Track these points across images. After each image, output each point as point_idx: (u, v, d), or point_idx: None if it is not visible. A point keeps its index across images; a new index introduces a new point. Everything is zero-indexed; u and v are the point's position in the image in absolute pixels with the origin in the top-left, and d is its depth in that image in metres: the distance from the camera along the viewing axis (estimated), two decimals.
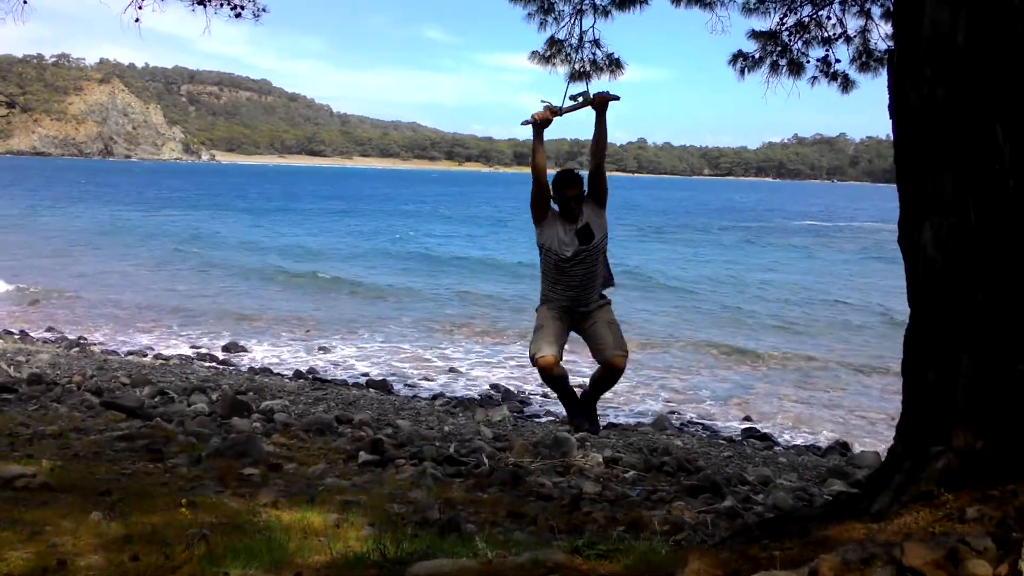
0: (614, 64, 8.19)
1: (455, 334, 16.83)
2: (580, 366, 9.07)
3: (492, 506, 5.02)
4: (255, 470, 5.57)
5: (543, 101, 4.82)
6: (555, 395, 5.45)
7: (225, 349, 14.58)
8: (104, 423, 7.28)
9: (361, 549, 3.67)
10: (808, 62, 8.33)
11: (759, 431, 10.40)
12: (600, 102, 4.81)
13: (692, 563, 2.94)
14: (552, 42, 8.20)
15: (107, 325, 16.60)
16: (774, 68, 8.36)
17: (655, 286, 23.74)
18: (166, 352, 14.22)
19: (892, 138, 3.59)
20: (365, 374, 13.13)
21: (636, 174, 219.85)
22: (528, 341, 5.00)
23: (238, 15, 7.44)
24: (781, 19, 8.19)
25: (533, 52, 8.33)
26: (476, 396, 11.79)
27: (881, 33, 7.99)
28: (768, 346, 15.96)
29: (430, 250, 34.90)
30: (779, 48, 8.31)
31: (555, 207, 4.89)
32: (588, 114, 4.70)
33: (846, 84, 8.39)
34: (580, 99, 4.82)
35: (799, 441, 10.22)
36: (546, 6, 8.00)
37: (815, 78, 8.39)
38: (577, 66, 8.29)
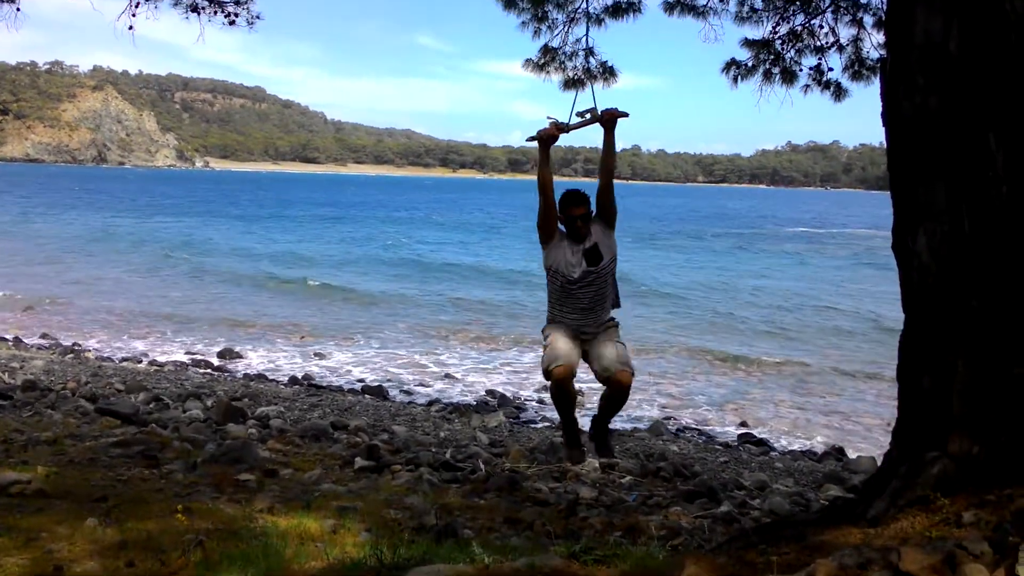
0: (608, 72, 8.22)
1: (450, 340, 16.83)
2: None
3: (489, 512, 5.02)
4: (251, 476, 5.56)
5: (549, 118, 4.74)
6: (559, 418, 5.26)
7: (220, 355, 14.55)
8: (99, 429, 7.26)
9: (358, 555, 3.67)
10: (801, 70, 8.38)
11: (755, 436, 10.42)
12: (608, 119, 4.71)
13: (689, 568, 2.95)
14: (546, 50, 8.24)
15: (101, 331, 16.57)
16: (767, 76, 8.40)
17: (648, 292, 23.78)
18: (161, 358, 14.19)
19: (885, 146, 3.61)
20: (361, 380, 13.12)
21: (630, 181, 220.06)
22: (538, 356, 5.00)
23: (232, 22, 7.44)
24: (774, 28, 8.24)
25: (527, 60, 8.37)
26: (472, 402, 11.79)
27: (873, 42, 8.06)
28: (762, 352, 16.00)
29: (422, 256, 34.91)
30: (772, 56, 8.35)
31: (562, 228, 4.77)
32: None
33: (839, 92, 8.44)
34: (587, 116, 4.73)
35: (795, 446, 10.23)
36: (540, 14, 8.03)
37: (808, 86, 8.44)
38: (571, 74, 8.33)
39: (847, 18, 8.12)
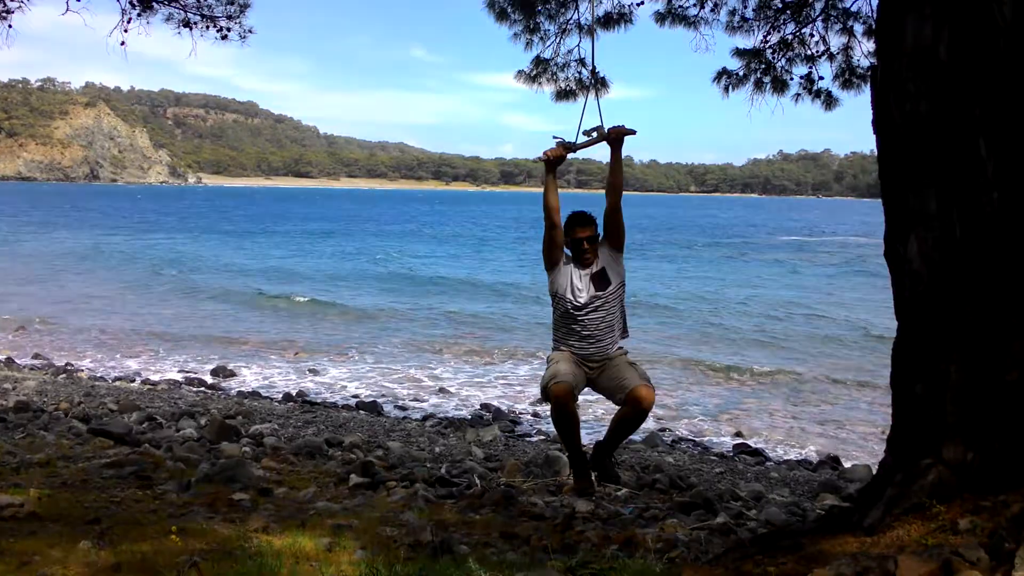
0: (600, 83, 8.24)
1: (444, 354, 16.80)
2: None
3: (484, 527, 4.99)
4: (245, 495, 5.53)
5: (555, 138, 4.62)
6: (562, 445, 5.02)
7: (213, 373, 14.50)
8: (92, 450, 7.22)
9: (354, 573, 3.65)
10: (792, 79, 8.42)
11: (750, 447, 10.40)
12: (615, 137, 4.62)
13: None
14: (538, 61, 8.27)
15: (94, 351, 16.50)
16: (758, 85, 8.44)
17: (639, 303, 23.77)
18: (154, 377, 14.14)
19: (876, 153, 3.63)
20: (355, 396, 13.08)
21: (625, 192, 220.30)
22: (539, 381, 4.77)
23: (224, 37, 7.45)
24: (764, 37, 8.28)
25: (519, 71, 8.40)
26: (467, 416, 11.76)
27: (863, 50, 8.10)
28: (755, 362, 16.00)
29: (414, 270, 34.88)
30: (763, 66, 8.39)
31: (568, 252, 4.62)
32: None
33: (829, 101, 8.48)
34: (594, 134, 4.64)
35: (790, 456, 10.22)
36: (532, 26, 8.06)
37: (799, 95, 8.48)
38: (563, 85, 8.36)
39: (837, 27, 8.17)
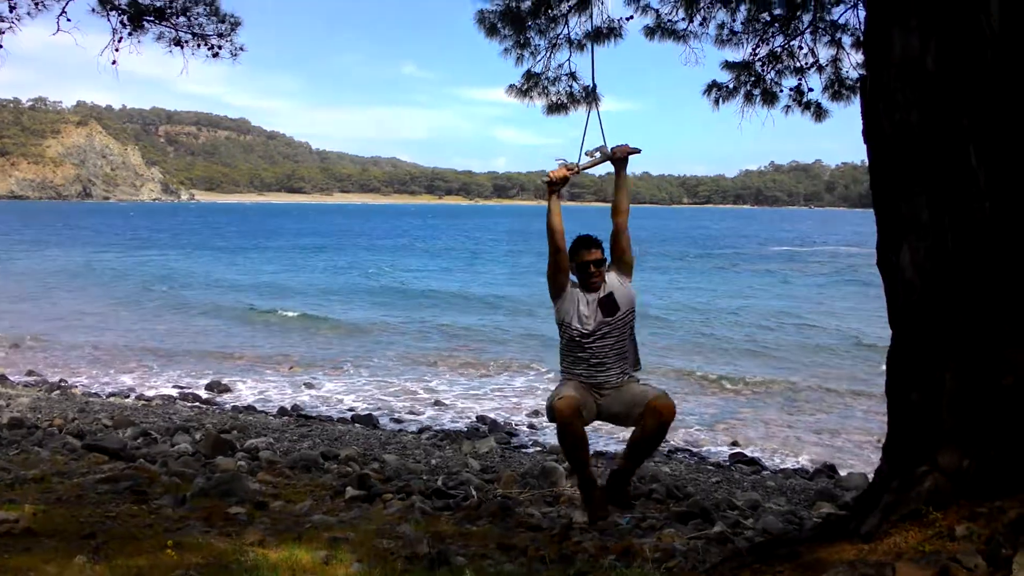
0: (591, 96, 8.29)
1: (438, 366, 16.78)
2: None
3: (482, 538, 4.99)
4: (241, 509, 5.51)
5: (558, 160, 4.51)
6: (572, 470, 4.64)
7: (208, 388, 14.45)
8: (87, 466, 7.19)
9: None
10: (781, 91, 8.49)
11: (746, 456, 10.41)
12: (619, 156, 4.52)
13: None
14: (529, 75, 8.31)
15: (87, 367, 16.44)
16: (748, 98, 8.51)
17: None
18: (148, 393, 14.08)
19: (867, 163, 3.66)
20: (351, 409, 13.05)
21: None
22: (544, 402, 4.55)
23: (215, 55, 7.47)
24: (754, 50, 8.35)
25: (510, 86, 8.44)
26: (463, 428, 11.74)
27: (852, 62, 8.17)
28: (749, 372, 16.02)
29: (406, 284, 34.85)
30: (752, 78, 8.46)
31: (574, 278, 4.45)
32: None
33: (819, 113, 8.54)
34: (597, 154, 4.55)
35: (787, 465, 10.22)
36: (522, 41, 8.11)
37: (789, 107, 8.54)
38: (554, 98, 8.41)
39: (826, 39, 8.24)
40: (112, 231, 78.46)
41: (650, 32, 8.28)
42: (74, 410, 11.31)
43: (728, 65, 8.47)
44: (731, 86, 8.51)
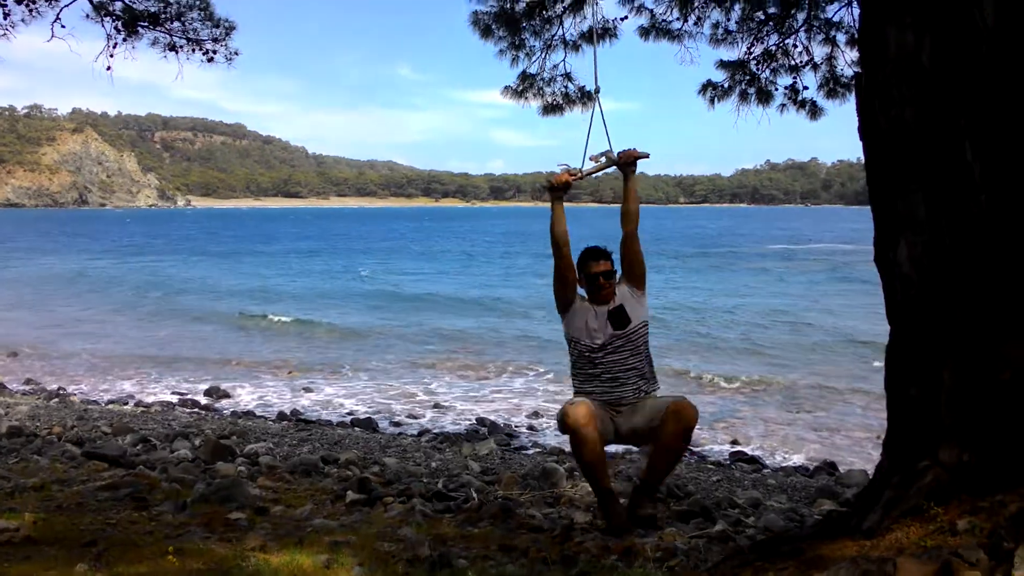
0: (586, 97, 8.31)
1: (437, 369, 16.79)
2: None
3: (483, 540, 4.98)
4: (241, 514, 5.50)
5: (560, 164, 4.38)
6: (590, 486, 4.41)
7: (207, 393, 14.44)
8: (86, 473, 7.17)
9: None
10: (776, 90, 8.51)
11: (747, 454, 10.42)
12: (626, 160, 4.35)
13: None
14: (524, 76, 8.33)
15: (85, 374, 16.43)
16: (743, 97, 8.52)
17: None
18: (147, 399, 14.07)
19: (863, 161, 3.66)
20: (351, 413, 13.05)
21: (613, 204, 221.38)
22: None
23: (210, 60, 7.47)
24: (748, 49, 8.37)
25: (506, 87, 8.46)
26: (462, 430, 11.74)
27: (847, 59, 8.20)
28: (747, 370, 16.04)
29: (402, 288, 34.81)
30: (747, 77, 8.48)
31: (582, 292, 4.31)
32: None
33: (814, 111, 8.56)
34: (602, 159, 4.39)
35: (787, 463, 10.23)
36: (517, 42, 8.12)
37: (784, 105, 8.56)
38: (550, 99, 8.42)
39: (820, 37, 8.26)
40: (108, 238, 78.42)
41: (645, 32, 8.30)
42: (73, 418, 11.29)
43: (723, 64, 8.49)
44: (726, 85, 8.52)
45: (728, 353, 18.44)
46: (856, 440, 11.27)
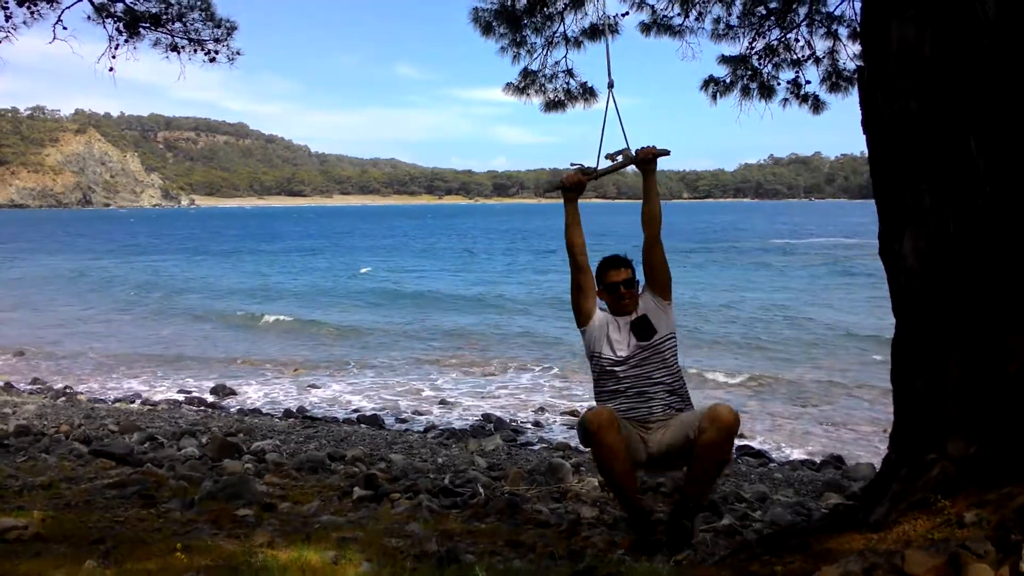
0: (588, 93, 8.30)
1: (441, 365, 16.81)
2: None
3: (490, 535, 4.99)
4: (249, 511, 5.52)
5: (573, 164, 4.12)
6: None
7: (213, 391, 14.48)
8: (94, 471, 7.20)
9: None
10: (779, 84, 8.48)
11: (753, 448, 10.42)
12: (645, 158, 4.07)
13: None
14: (526, 73, 8.32)
15: (92, 373, 16.47)
16: (745, 92, 8.50)
17: None
18: (154, 397, 14.11)
19: (867, 154, 3.66)
20: (356, 410, 13.08)
21: (616, 200, 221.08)
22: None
23: (213, 60, 7.47)
24: (750, 43, 8.34)
25: (508, 84, 8.45)
26: (468, 427, 11.75)
27: (849, 53, 8.16)
28: (752, 365, 16.04)
29: (406, 285, 34.83)
30: (749, 72, 8.45)
31: (602, 305, 4.04)
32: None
33: (817, 105, 8.54)
34: (619, 158, 4.13)
35: (793, 457, 10.24)
36: (518, 39, 8.11)
37: (786, 100, 8.53)
38: (551, 96, 8.42)
39: (822, 31, 8.23)
40: (112, 238, 78.53)
41: (646, 28, 8.28)
42: (80, 416, 11.33)
43: (725, 59, 8.47)
44: (728, 80, 8.50)
45: (731, 348, 18.42)
46: (863, 434, 11.27)
